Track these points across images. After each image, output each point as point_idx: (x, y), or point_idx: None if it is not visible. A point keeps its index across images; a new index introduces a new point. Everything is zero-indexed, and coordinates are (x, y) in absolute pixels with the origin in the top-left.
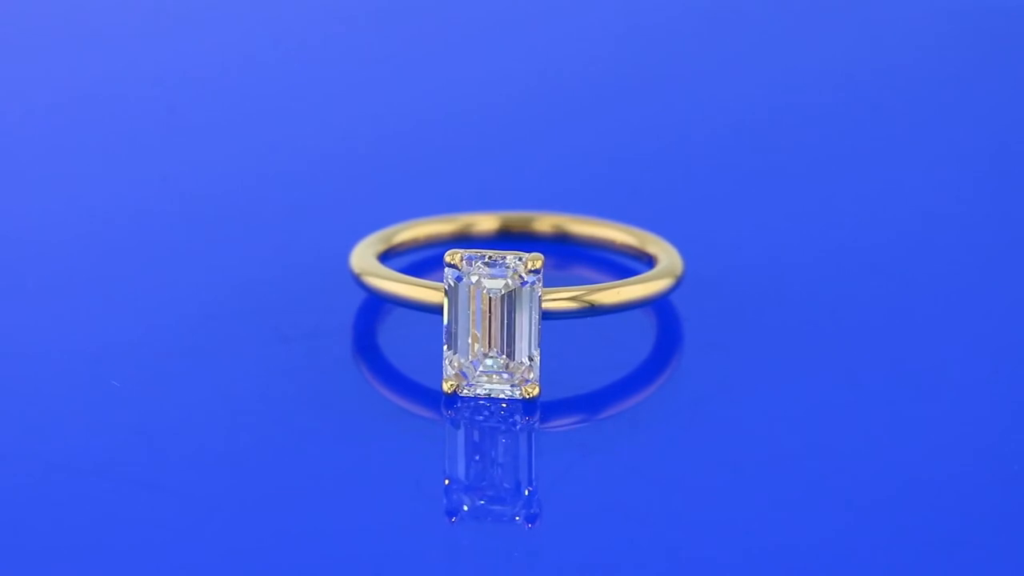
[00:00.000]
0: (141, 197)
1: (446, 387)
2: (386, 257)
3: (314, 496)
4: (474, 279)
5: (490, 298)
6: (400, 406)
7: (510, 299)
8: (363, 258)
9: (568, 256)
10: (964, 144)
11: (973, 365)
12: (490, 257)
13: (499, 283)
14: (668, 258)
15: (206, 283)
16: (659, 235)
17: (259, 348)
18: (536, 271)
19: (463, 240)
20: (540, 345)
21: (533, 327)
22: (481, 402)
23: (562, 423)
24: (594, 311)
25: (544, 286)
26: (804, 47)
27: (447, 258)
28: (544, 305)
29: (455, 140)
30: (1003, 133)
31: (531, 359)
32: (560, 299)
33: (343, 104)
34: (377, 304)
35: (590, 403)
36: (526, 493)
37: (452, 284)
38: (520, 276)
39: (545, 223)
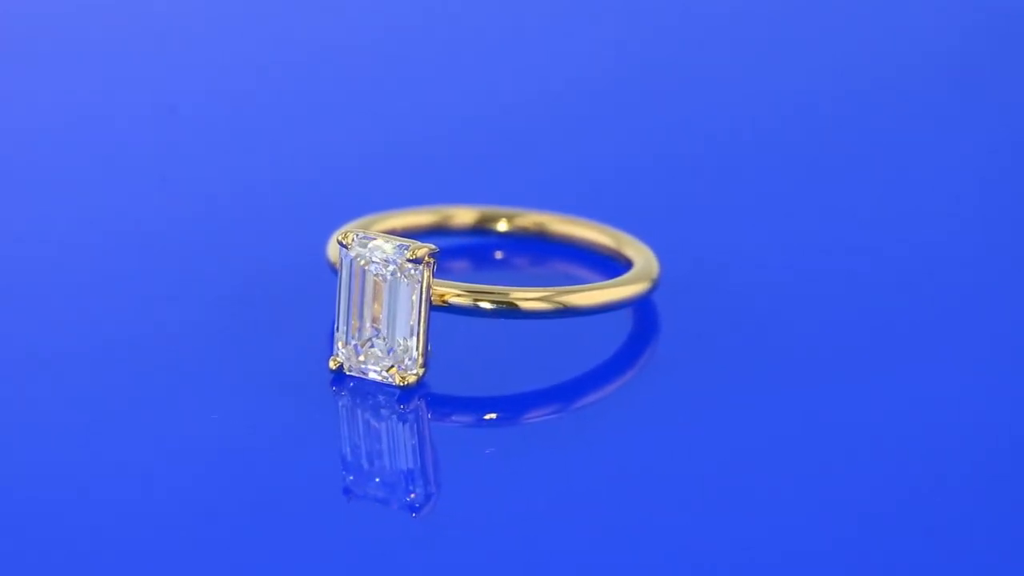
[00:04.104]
0: (124, 192)
1: (332, 364)
2: None
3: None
4: (362, 261)
5: (376, 281)
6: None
7: (395, 285)
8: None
9: (548, 253)
10: (947, 146)
11: (953, 369)
12: (382, 242)
13: (386, 268)
14: (644, 261)
15: (189, 271)
16: (644, 238)
17: (237, 332)
18: (418, 260)
19: (440, 231)
20: (427, 335)
21: (415, 315)
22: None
23: (462, 417)
24: (566, 312)
25: (521, 284)
26: (785, 52)
27: (339, 237)
28: (516, 304)
29: (448, 139)
30: (990, 135)
31: (411, 347)
32: (531, 299)
33: (338, 102)
34: None
35: (524, 402)
36: (405, 482)
37: (342, 264)
38: (405, 264)
39: (525, 220)
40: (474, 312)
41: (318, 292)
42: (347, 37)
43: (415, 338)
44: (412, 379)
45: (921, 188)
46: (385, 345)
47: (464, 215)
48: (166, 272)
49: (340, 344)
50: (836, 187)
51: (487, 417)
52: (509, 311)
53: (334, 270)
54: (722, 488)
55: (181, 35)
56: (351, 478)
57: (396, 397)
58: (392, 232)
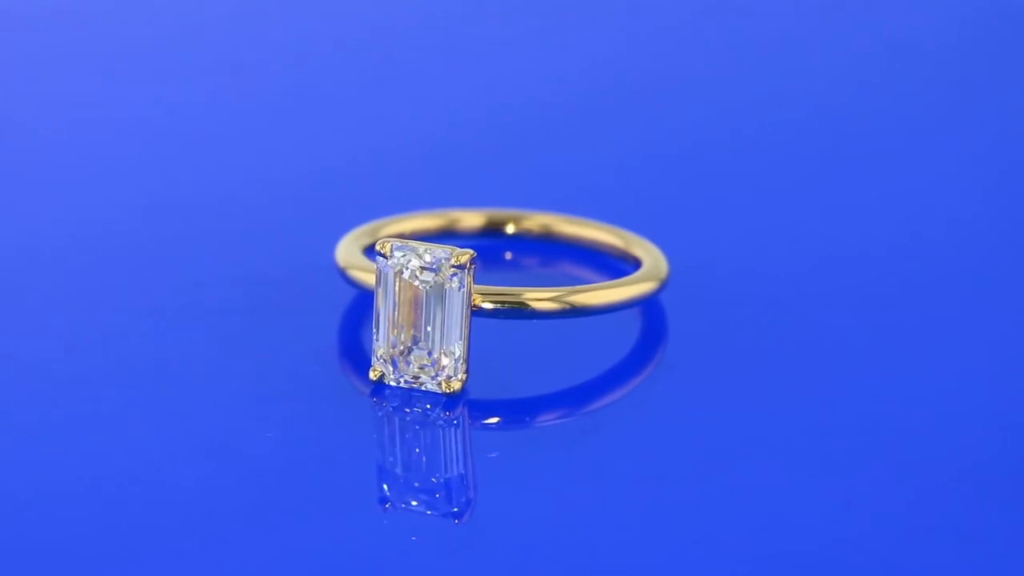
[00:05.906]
0: (128, 194)
1: (372, 375)
2: (372, 251)
3: (239, 479)
4: (402, 270)
5: (417, 290)
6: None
7: (437, 293)
8: (348, 252)
9: (555, 255)
10: (948, 146)
11: (963, 368)
12: (421, 249)
13: (426, 276)
14: (653, 261)
15: (195, 275)
16: (652, 238)
17: (245, 336)
18: (461, 266)
19: (448, 235)
20: (469, 340)
21: (458, 322)
22: (414, 395)
23: (493, 419)
24: (575, 312)
25: (530, 285)
26: (790, 52)
27: (378, 247)
28: (528, 305)
29: (453, 142)
30: (990, 135)
31: (454, 354)
32: (541, 299)
33: (344, 105)
34: (363, 298)
35: (542, 403)
36: (436, 487)
37: (381, 273)
38: (447, 270)
39: (531, 221)
40: (481, 313)
41: (326, 296)
42: (351, 39)
43: (458, 344)
44: (457, 385)
45: (926, 188)
46: (426, 353)
47: (471, 218)
48: (168, 275)
49: (380, 353)
50: (842, 187)
51: (488, 421)
52: (521, 312)
53: (343, 275)
54: (731, 488)
55: (182, 36)
56: (391, 489)
57: (439, 404)
58: (402, 236)
